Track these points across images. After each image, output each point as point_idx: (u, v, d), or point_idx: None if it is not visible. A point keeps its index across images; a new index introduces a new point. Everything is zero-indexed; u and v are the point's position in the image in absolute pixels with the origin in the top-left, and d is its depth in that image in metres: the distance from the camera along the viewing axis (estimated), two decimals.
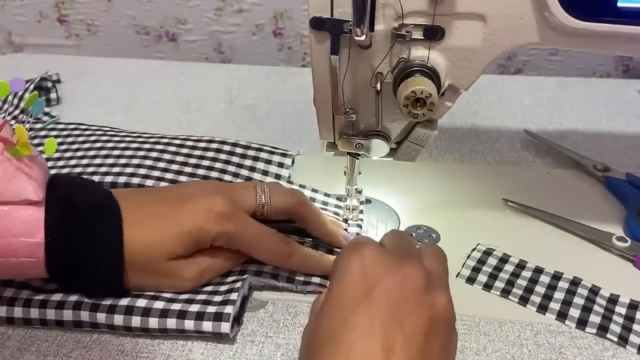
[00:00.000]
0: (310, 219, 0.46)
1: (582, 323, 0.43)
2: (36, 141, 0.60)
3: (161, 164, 0.56)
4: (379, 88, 0.39)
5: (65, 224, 0.38)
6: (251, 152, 0.59)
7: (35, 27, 1.00)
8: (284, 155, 0.59)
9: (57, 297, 0.41)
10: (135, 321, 0.40)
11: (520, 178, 0.59)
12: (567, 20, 0.35)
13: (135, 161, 0.56)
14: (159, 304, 0.40)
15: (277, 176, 0.57)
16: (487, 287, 0.46)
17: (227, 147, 0.59)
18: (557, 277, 0.46)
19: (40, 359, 0.39)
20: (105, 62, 0.85)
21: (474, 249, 0.49)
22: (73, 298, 0.41)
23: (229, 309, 0.40)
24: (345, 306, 0.31)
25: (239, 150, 0.59)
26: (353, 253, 0.34)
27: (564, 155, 0.63)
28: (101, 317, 0.40)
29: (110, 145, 0.59)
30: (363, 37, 0.35)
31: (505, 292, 0.45)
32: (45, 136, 0.61)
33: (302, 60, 1.00)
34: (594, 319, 0.43)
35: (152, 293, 0.41)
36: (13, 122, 0.64)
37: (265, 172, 0.57)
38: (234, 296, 0.41)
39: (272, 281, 0.44)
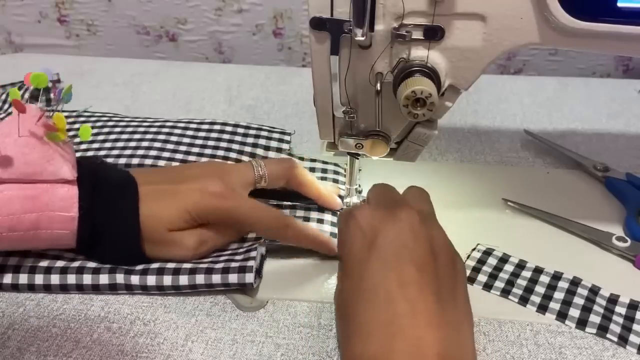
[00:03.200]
0: (305, 181, 0.50)
1: (582, 323, 0.43)
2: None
3: (170, 146, 0.59)
4: (379, 88, 0.39)
5: (92, 199, 0.42)
6: (252, 132, 0.62)
7: (35, 27, 1.00)
8: (282, 133, 0.62)
9: (91, 264, 0.44)
10: (167, 280, 0.43)
11: (520, 178, 0.59)
12: (567, 20, 0.35)
13: (145, 144, 0.59)
14: (187, 265, 0.44)
15: (279, 150, 0.60)
16: (487, 287, 0.46)
17: (229, 128, 0.62)
18: (557, 277, 0.46)
19: (40, 359, 0.39)
20: (105, 62, 0.85)
21: (473, 249, 0.49)
22: (106, 265, 0.45)
23: (251, 262, 0.44)
24: (358, 262, 0.36)
25: (240, 130, 0.62)
26: (348, 219, 0.38)
27: (564, 155, 0.63)
28: (135, 279, 0.44)
29: (117, 129, 0.62)
30: (363, 37, 0.35)
31: (505, 292, 0.45)
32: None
33: (302, 60, 1.00)
34: (594, 319, 0.43)
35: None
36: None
37: (267, 148, 0.60)
38: (253, 253, 0.45)
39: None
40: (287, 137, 0.62)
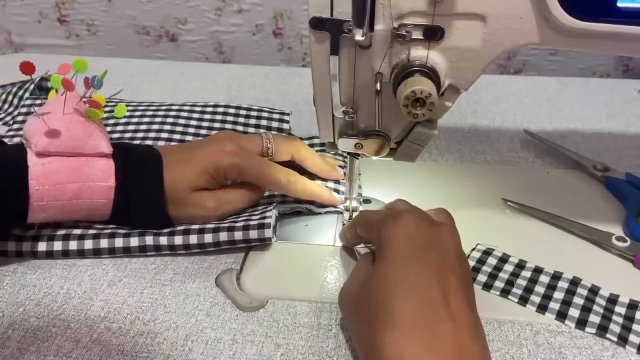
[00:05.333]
0: (307, 156, 0.54)
1: (581, 323, 0.43)
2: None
3: (179, 128, 0.62)
4: (378, 88, 0.39)
5: (125, 170, 0.46)
6: (253, 113, 0.65)
7: (35, 27, 1.00)
8: (282, 114, 0.66)
9: (122, 230, 0.48)
10: (193, 239, 0.47)
11: (520, 178, 0.59)
12: (567, 20, 0.35)
13: (155, 127, 0.62)
14: (210, 225, 0.48)
15: (280, 130, 0.64)
16: (487, 287, 0.46)
17: (231, 111, 0.65)
18: (556, 277, 0.46)
19: (40, 359, 0.40)
20: (105, 62, 0.84)
21: (473, 249, 0.49)
22: (135, 230, 0.48)
23: (268, 220, 0.47)
24: (399, 268, 0.36)
25: (242, 112, 0.65)
26: (397, 223, 0.38)
27: (564, 155, 0.63)
28: (163, 240, 0.47)
29: (127, 113, 0.64)
30: (363, 37, 0.35)
31: (505, 292, 0.45)
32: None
33: (302, 60, 1.00)
34: (594, 318, 0.43)
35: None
36: (12, 121, 0.64)
37: (269, 128, 0.64)
38: (269, 213, 0.48)
39: (296, 205, 0.52)
40: (286, 117, 0.65)
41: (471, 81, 0.40)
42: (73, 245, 0.47)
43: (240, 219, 0.49)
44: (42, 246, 0.47)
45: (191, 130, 0.62)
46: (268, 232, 0.47)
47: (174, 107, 0.65)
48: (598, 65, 0.97)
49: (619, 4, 0.35)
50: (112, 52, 1.01)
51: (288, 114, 0.65)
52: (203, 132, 0.62)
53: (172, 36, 0.99)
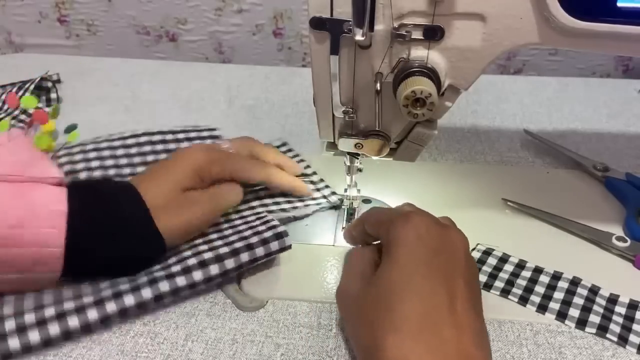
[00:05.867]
0: (262, 151, 0.55)
1: (581, 323, 0.43)
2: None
3: (109, 162, 0.57)
4: (378, 88, 0.39)
5: (86, 196, 0.42)
6: (181, 136, 0.62)
7: (35, 27, 1.00)
8: (211, 130, 0.63)
9: (124, 286, 0.41)
10: (214, 269, 0.43)
11: (519, 178, 0.59)
12: (567, 20, 0.35)
13: (81, 165, 0.56)
14: (224, 249, 0.44)
15: None
16: (487, 287, 0.46)
17: (157, 138, 0.61)
18: (556, 277, 0.46)
19: (41, 359, 0.39)
20: (105, 62, 0.85)
21: (473, 249, 0.49)
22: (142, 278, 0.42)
23: (280, 228, 0.47)
24: (407, 269, 0.36)
25: (169, 137, 0.61)
26: (407, 224, 0.38)
27: (564, 155, 0.63)
28: (180, 280, 0.42)
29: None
30: (363, 37, 0.35)
31: (505, 292, 0.45)
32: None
33: (302, 60, 1.00)
34: (594, 318, 0.43)
35: (206, 246, 0.45)
36: (13, 122, 0.64)
37: None
38: (274, 222, 0.48)
39: (282, 213, 0.52)
40: (216, 133, 0.63)
41: (471, 81, 0.40)
42: (73, 320, 0.39)
43: (245, 234, 0.47)
44: (34, 336, 0.38)
45: (123, 161, 0.57)
46: (288, 240, 0.46)
47: (88, 147, 0.59)
48: (598, 65, 0.97)
49: (619, 4, 0.35)
50: (112, 52, 1.01)
51: (215, 129, 0.63)
52: (136, 159, 0.58)
53: (172, 36, 0.99)
